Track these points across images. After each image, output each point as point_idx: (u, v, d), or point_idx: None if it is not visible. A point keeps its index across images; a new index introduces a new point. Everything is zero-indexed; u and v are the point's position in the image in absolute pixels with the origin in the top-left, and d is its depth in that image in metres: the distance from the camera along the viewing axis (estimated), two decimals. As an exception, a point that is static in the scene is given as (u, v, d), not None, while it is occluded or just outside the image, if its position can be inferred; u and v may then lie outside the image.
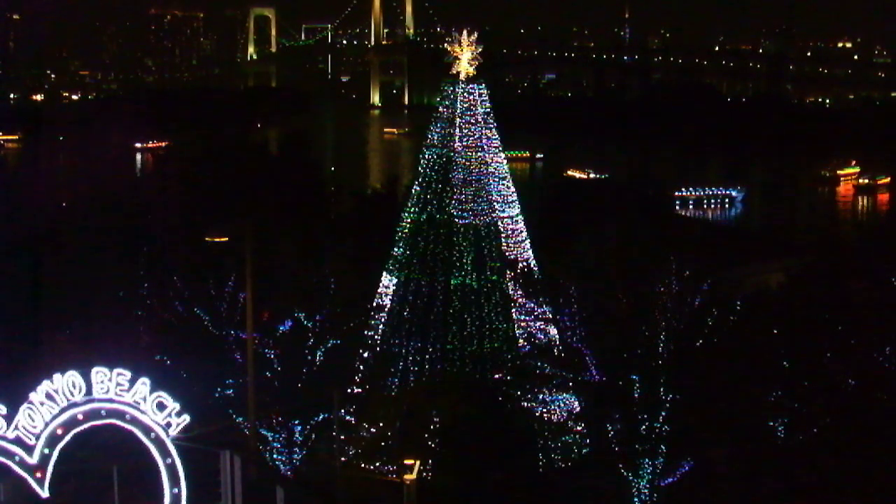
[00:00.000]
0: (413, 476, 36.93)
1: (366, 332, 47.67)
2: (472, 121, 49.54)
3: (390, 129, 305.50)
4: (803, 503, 38.20)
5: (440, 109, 50.10)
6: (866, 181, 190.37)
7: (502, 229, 49.24)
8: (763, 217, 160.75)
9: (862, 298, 42.51)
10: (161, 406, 23.27)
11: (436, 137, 49.84)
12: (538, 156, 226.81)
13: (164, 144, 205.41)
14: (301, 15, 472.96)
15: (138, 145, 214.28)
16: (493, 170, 49.73)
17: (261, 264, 39.39)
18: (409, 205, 49.79)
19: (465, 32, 49.64)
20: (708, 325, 39.61)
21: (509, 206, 49.80)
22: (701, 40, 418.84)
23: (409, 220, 49.26)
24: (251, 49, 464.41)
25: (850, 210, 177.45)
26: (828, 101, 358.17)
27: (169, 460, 23.30)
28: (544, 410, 46.85)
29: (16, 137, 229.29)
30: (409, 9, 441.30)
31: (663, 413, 38.60)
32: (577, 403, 45.67)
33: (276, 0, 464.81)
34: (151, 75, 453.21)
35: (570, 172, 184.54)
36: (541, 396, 46.45)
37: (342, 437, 40.04)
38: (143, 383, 23.26)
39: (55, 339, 48.20)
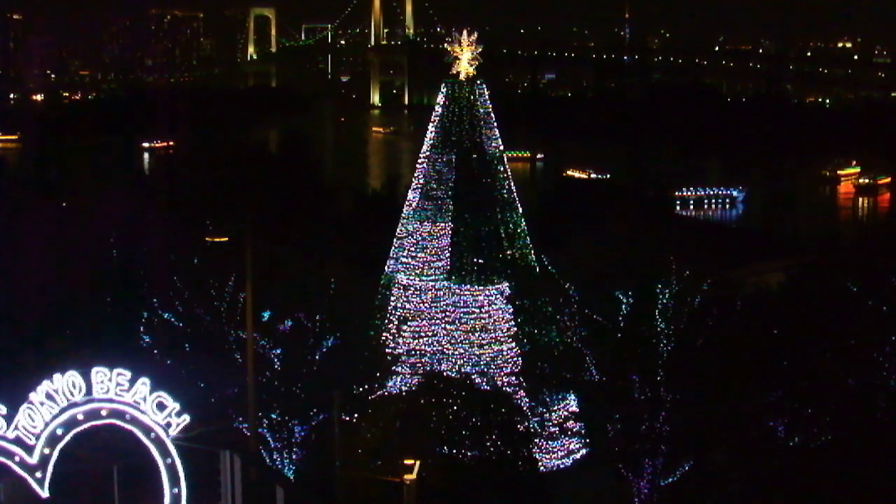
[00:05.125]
0: (413, 476, 36.92)
1: (366, 332, 47.67)
2: (473, 121, 49.54)
3: (378, 129, 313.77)
4: (803, 503, 38.21)
5: (440, 109, 50.10)
6: (867, 181, 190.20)
7: (503, 230, 49.24)
8: (763, 217, 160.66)
9: (862, 298, 42.48)
10: (161, 406, 23.24)
11: (436, 137, 49.83)
12: (538, 156, 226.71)
13: (169, 144, 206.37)
14: (301, 15, 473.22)
15: (145, 145, 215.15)
16: (493, 170, 49.72)
17: (261, 264, 39.38)
18: (409, 205, 49.79)
19: (465, 32, 49.68)
20: (708, 325, 39.61)
21: (510, 207, 49.79)
22: (701, 40, 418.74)
23: (408, 221, 49.26)
24: (251, 49, 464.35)
25: (850, 210, 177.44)
26: (828, 101, 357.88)
27: (169, 460, 23.27)
28: (544, 410, 46.86)
29: (15, 137, 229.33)
30: (409, 9, 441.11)
31: (663, 413, 38.60)
32: (576, 403, 45.68)
33: (276, 0, 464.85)
34: (151, 75, 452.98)
35: (570, 172, 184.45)
36: (541, 396, 46.47)
37: (342, 437, 40.01)
38: (143, 383, 23.22)
39: (55, 339, 48.18)
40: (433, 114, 50.64)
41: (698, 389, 38.96)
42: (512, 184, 50.65)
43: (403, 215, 49.91)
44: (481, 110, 49.78)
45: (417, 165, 50.69)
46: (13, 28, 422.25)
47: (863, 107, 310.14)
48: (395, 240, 49.84)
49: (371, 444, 43.21)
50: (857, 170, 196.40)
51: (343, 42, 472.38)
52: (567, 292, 41.28)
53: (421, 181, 49.67)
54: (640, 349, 39.14)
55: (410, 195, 50.35)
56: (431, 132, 50.09)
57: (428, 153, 49.89)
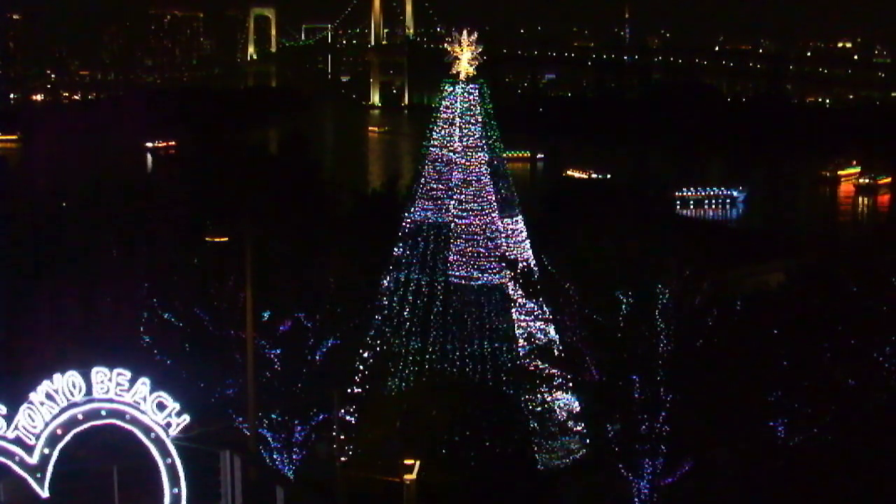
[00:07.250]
0: (413, 476, 36.94)
1: (366, 332, 47.66)
2: (472, 121, 49.55)
3: (373, 128, 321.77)
4: (803, 503, 38.20)
5: (440, 109, 50.11)
6: (867, 181, 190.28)
7: (502, 229, 49.24)
8: (764, 217, 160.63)
9: (862, 298, 42.44)
10: (161, 406, 23.25)
11: (436, 137, 49.85)
12: (538, 156, 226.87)
13: (170, 144, 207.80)
14: (301, 15, 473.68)
15: (149, 144, 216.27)
16: (493, 170, 49.74)
17: (261, 264, 39.33)
18: (409, 205, 49.82)
19: (465, 32, 49.65)
20: (708, 325, 39.59)
21: (509, 207, 49.81)
22: (701, 40, 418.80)
23: (409, 220, 49.28)
24: (251, 49, 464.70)
25: (850, 210, 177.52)
26: (828, 101, 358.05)
27: (169, 460, 23.27)
28: (544, 410, 46.85)
29: (15, 137, 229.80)
30: (409, 9, 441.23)
31: (663, 413, 38.58)
32: (577, 403, 45.67)
33: (276, 0, 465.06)
34: (151, 75, 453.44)
35: (570, 172, 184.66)
36: (541, 396, 46.45)
37: (342, 437, 40.02)
38: (143, 383, 23.23)
39: (55, 339, 48.17)
40: (433, 113, 50.65)
41: (698, 389, 38.94)
42: (512, 183, 50.66)
43: (405, 215, 49.92)
44: (481, 110, 49.78)
45: (418, 166, 50.74)
46: (13, 28, 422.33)
47: (863, 107, 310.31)
48: (395, 239, 49.80)
49: (371, 444, 43.23)
50: (857, 170, 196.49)
51: (343, 42, 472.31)
52: (567, 292, 41.23)
53: (421, 181, 49.69)
54: (640, 349, 39.10)
55: (413, 194, 50.46)
56: (431, 132, 50.11)
57: (428, 153, 49.92)
